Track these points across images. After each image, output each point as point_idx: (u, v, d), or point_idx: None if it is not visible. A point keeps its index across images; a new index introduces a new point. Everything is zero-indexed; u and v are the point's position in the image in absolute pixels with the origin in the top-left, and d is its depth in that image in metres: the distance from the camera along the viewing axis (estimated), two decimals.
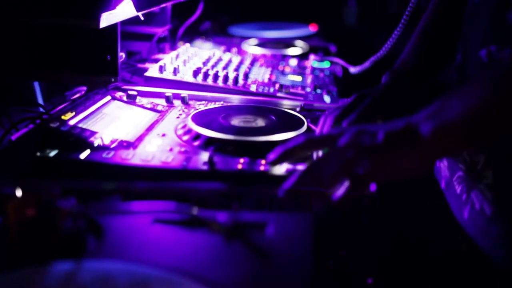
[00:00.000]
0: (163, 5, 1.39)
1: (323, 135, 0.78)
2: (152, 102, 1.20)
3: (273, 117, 1.09)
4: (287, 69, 1.60)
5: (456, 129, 0.68)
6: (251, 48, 1.91)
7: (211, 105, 1.21)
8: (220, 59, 1.57)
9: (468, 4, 0.96)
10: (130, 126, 1.04)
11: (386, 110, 1.03)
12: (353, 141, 0.71)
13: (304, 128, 1.03)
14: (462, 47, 0.98)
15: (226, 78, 1.36)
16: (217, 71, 1.38)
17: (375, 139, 0.70)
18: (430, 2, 1.14)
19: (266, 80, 1.43)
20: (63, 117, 0.98)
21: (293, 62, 1.70)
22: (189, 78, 1.34)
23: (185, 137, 0.99)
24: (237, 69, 1.49)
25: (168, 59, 1.46)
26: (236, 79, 1.36)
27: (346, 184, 0.70)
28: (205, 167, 0.86)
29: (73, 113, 1.01)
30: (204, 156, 0.90)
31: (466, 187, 0.92)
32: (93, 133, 0.96)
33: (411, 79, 1.10)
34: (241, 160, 0.89)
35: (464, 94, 0.70)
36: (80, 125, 0.98)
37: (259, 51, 1.87)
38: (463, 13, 1.01)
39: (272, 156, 0.76)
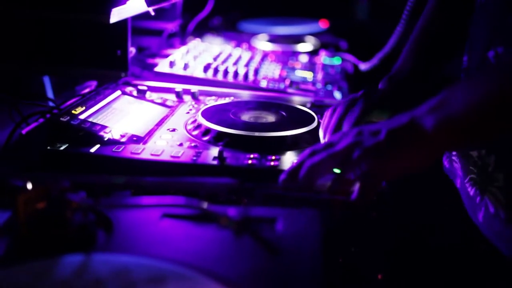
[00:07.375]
0: (174, 0, 1.39)
1: (326, 143, 0.75)
2: (162, 97, 1.20)
3: (284, 113, 1.08)
4: (298, 65, 1.59)
5: (460, 122, 0.67)
6: (262, 44, 1.90)
7: (221, 101, 1.21)
8: (230, 55, 1.57)
9: (475, 5, 0.94)
10: (140, 121, 1.04)
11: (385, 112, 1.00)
12: (355, 142, 0.71)
13: (315, 124, 1.03)
14: (469, 49, 0.96)
15: (236, 73, 1.36)
16: (227, 67, 1.38)
17: (377, 138, 0.70)
18: (428, 3, 1.10)
19: (276, 76, 1.42)
20: (73, 111, 0.99)
21: (304, 58, 1.70)
22: (199, 74, 1.34)
23: (195, 132, 0.99)
24: (247, 65, 1.48)
25: (178, 54, 1.46)
26: (246, 75, 1.36)
27: (357, 187, 0.70)
28: (214, 162, 0.86)
29: (83, 108, 1.01)
30: (214, 151, 0.90)
31: (479, 190, 0.90)
32: (103, 127, 0.96)
33: (409, 83, 1.04)
34: (251, 155, 0.88)
35: (469, 88, 0.69)
36: (90, 119, 0.98)
37: (270, 47, 1.86)
38: (462, 13, 0.99)
39: (298, 175, 0.72)
